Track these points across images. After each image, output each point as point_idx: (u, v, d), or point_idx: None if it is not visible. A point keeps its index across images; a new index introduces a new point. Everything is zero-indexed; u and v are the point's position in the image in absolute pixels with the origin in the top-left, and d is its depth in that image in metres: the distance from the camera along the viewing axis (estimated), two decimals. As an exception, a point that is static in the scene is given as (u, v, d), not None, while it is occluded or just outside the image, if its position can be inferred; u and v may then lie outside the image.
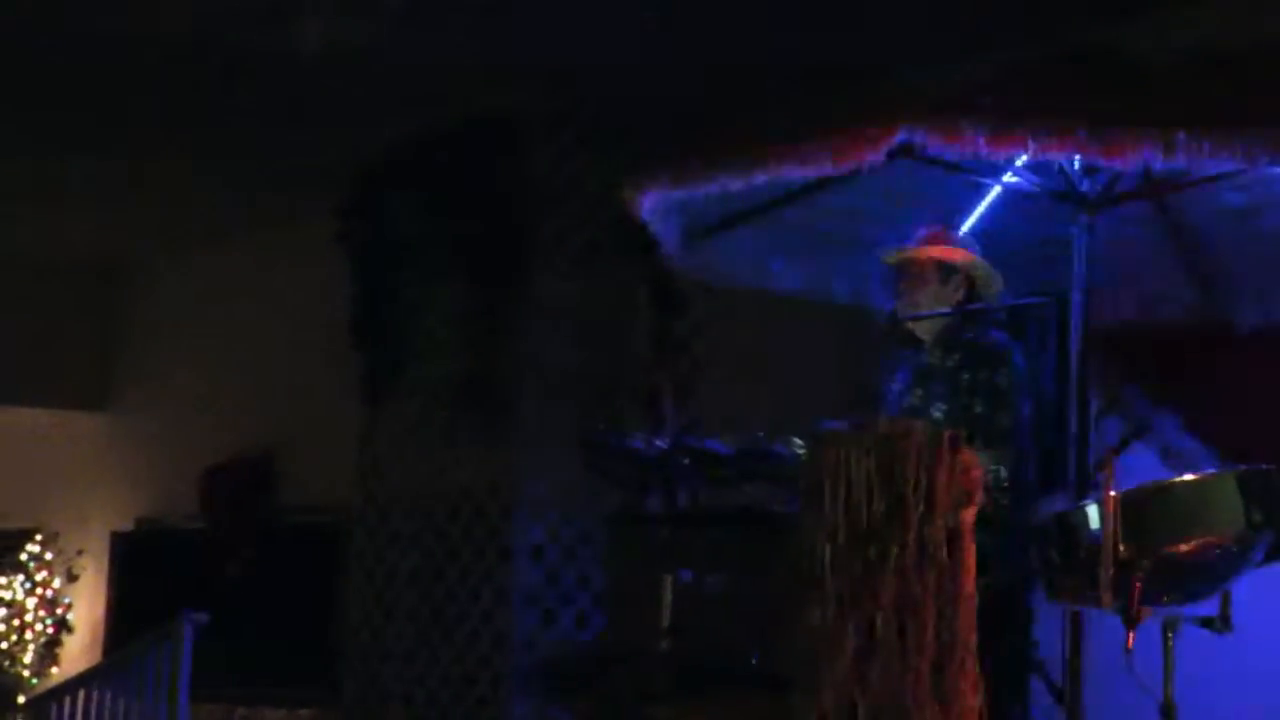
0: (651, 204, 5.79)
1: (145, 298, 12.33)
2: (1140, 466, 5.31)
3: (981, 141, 4.85)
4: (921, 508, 4.43)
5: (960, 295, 5.90)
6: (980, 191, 6.42)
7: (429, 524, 8.65)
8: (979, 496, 4.49)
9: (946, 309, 5.82)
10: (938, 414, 5.71)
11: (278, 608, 10.45)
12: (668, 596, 5.04)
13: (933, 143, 4.90)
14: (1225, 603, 4.79)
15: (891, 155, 5.00)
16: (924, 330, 5.92)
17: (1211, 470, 5.09)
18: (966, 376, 5.77)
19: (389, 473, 8.93)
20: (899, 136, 4.88)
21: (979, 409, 5.71)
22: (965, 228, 6.49)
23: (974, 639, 4.43)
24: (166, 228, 11.05)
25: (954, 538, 4.45)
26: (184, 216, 10.74)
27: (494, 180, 8.35)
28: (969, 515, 4.47)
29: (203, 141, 9.22)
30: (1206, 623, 4.77)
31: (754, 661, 4.82)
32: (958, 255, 5.84)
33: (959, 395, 5.76)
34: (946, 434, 4.44)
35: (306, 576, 10.33)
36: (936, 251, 5.81)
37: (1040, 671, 6.25)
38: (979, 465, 4.50)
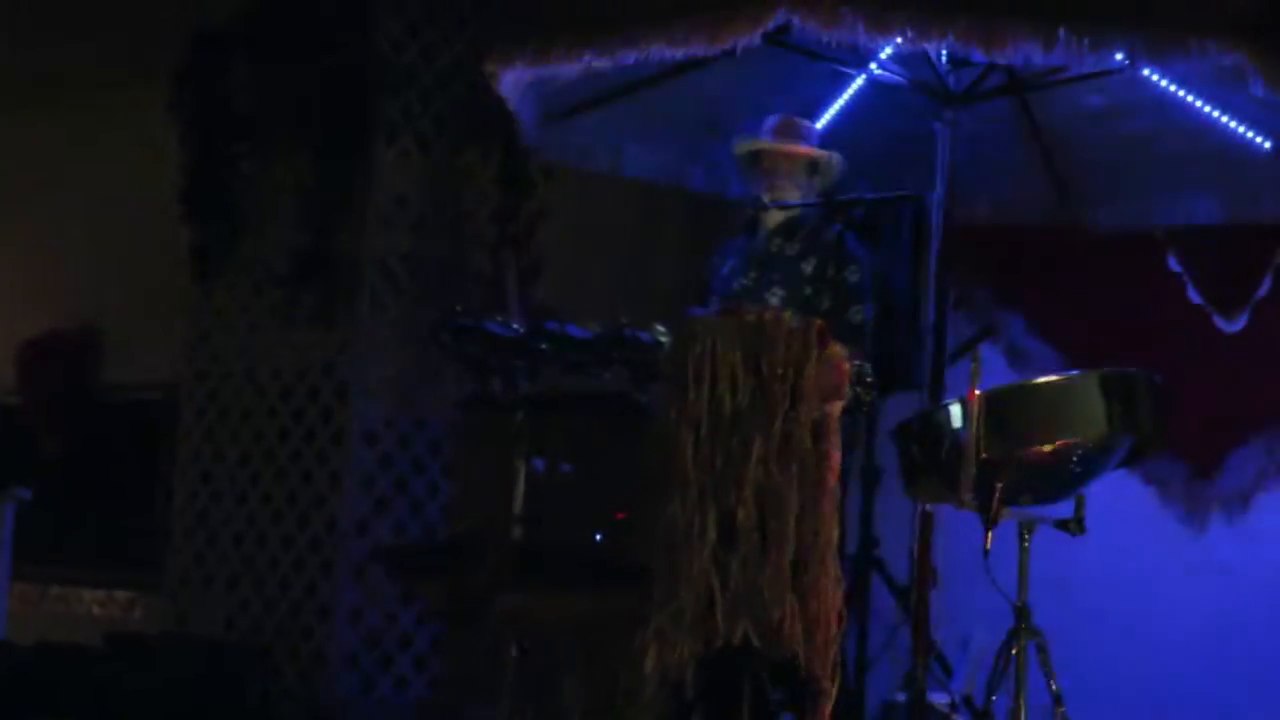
0: (513, 81, 5.61)
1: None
2: (988, 368, 5.28)
3: (860, 27, 4.73)
4: (788, 400, 4.33)
5: (816, 190, 5.86)
6: (844, 82, 6.35)
7: (260, 404, 8.41)
8: (845, 391, 4.41)
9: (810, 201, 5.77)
10: (774, 299, 5.67)
11: (100, 487, 10.11)
12: (520, 484, 4.91)
13: (810, 26, 4.77)
14: (1080, 505, 4.80)
15: (768, 38, 4.88)
16: (770, 217, 5.86)
17: (1075, 372, 5.07)
18: (809, 269, 5.73)
19: (219, 350, 8.66)
20: (776, 18, 4.74)
21: (827, 304, 5.66)
22: (826, 119, 6.42)
23: (836, 535, 4.36)
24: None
25: (819, 432, 4.36)
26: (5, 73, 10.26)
27: (339, 51, 8.06)
28: (835, 409, 4.39)
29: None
30: (1062, 525, 4.77)
31: (601, 546, 4.72)
32: (827, 157, 5.79)
33: (800, 284, 5.71)
34: (816, 326, 4.35)
35: (131, 455, 10.01)
36: (811, 152, 5.75)
37: (881, 570, 6.27)
38: (847, 359, 4.41)
